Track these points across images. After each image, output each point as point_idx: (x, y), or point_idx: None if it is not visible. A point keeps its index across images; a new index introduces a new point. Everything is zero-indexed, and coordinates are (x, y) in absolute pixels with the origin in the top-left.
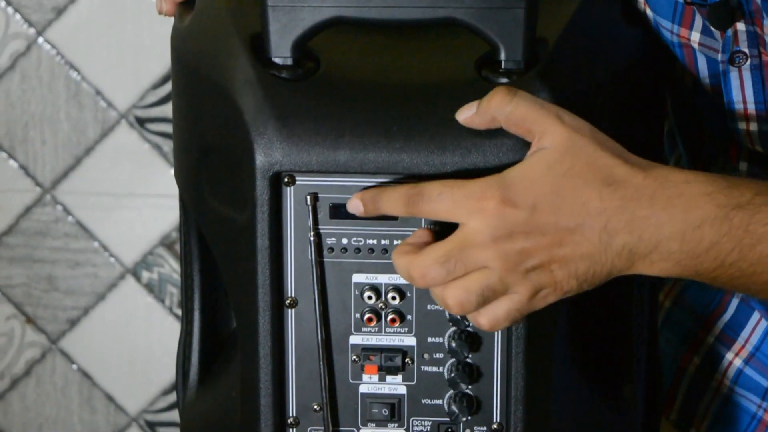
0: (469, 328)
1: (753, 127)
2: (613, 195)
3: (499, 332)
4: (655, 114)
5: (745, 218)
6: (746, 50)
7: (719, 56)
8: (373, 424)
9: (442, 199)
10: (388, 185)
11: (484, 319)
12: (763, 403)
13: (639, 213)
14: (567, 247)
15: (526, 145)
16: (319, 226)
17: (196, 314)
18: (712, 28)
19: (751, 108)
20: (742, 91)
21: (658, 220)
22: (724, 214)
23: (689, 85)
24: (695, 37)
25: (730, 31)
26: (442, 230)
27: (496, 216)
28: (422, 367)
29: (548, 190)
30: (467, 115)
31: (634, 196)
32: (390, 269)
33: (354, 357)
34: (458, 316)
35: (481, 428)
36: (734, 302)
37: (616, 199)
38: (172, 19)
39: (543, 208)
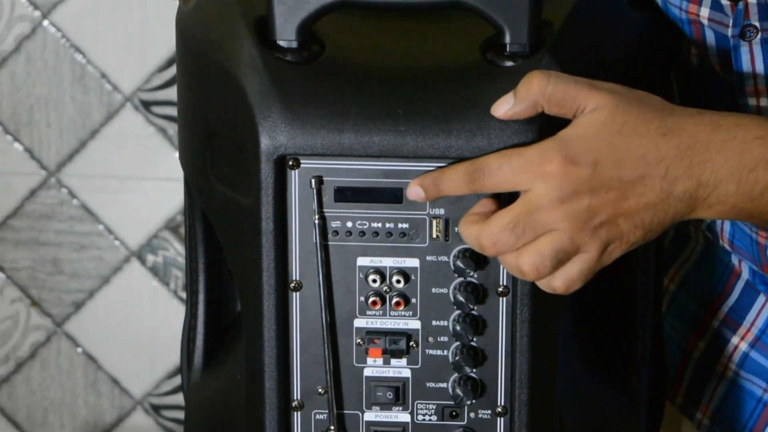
0: (473, 312)
1: (764, 102)
2: (669, 143)
3: (503, 316)
4: (661, 95)
5: None
6: (757, 24)
7: (729, 31)
8: (378, 408)
9: (503, 171)
10: (447, 167)
11: (559, 281)
12: None
13: (696, 158)
14: (631, 199)
15: (531, 126)
16: (324, 209)
17: (201, 297)
18: (722, 3)
19: (762, 83)
20: (752, 66)
21: (715, 163)
22: None
23: (697, 66)
24: (704, 12)
25: (741, 4)
26: (506, 198)
27: (560, 177)
28: (427, 351)
29: (606, 146)
30: (506, 108)
31: (689, 142)
32: (394, 252)
33: (358, 340)
34: (462, 299)
35: (486, 411)
36: (739, 285)
37: (672, 147)
38: (177, 2)
39: (604, 164)
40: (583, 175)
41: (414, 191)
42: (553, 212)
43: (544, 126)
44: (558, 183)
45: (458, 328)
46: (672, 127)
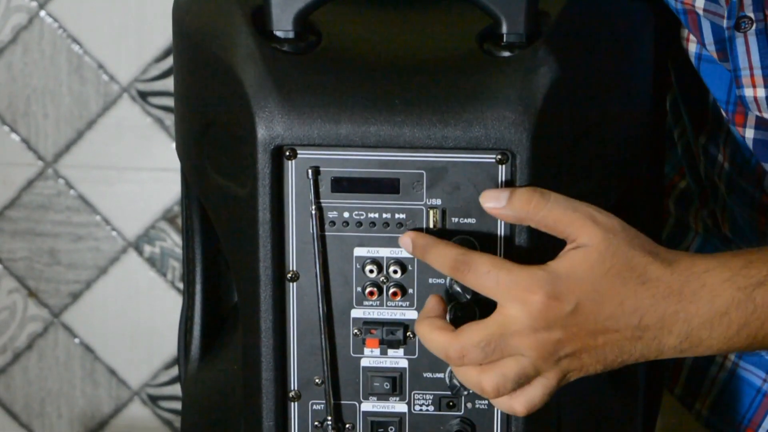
0: (470, 302)
1: (760, 93)
2: (646, 293)
3: None
4: (658, 85)
5: (767, 294)
6: (752, 15)
7: (725, 22)
8: (375, 398)
9: (488, 278)
10: (443, 242)
11: (520, 405)
12: None
13: (669, 309)
14: (599, 339)
15: (531, 123)
16: (321, 200)
17: (198, 288)
18: None
19: (758, 73)
20: (748, 57)
21: (687, 314)
22: (747, 296)
23: (693, 54)
24: (700, 3)
25: None
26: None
27: (540, 309)
28: None
29: (591, 289)
30: (494, 206)
31: (665, 293)
32: (391, 243)
33: (355, 331)
34: (459, 289)
35: (483, 402)
36: None
37: (649, 297)
38: None
39: (584, 306)
40: (562, 313)
41: (404, 241)
42: (524, 339)
43: (539, 125)
44: (536, 314)
45: (458, 317)
46: (651, 276)
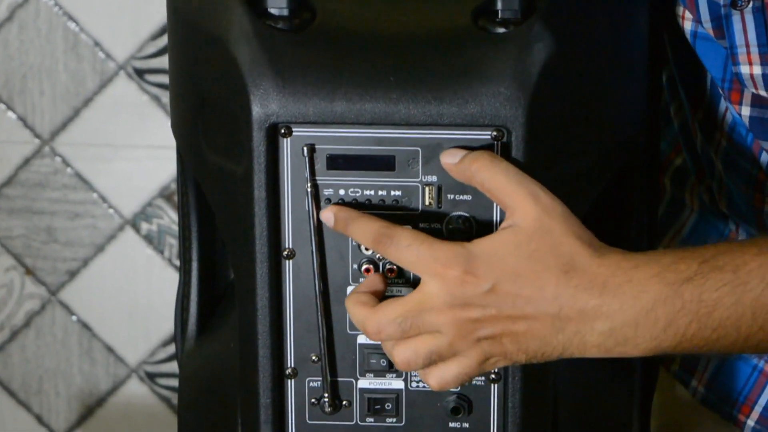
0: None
1: (756, 70)
2: (569, 283)
3: None
4: (654, 61)
5: (695, 290)
6: None
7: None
8: (372, 375)
9: (408, 251)
10: (365, 215)
11: (432, 379)
12: (764, 354)
13: (591, 302)
14: (520, 326)
15: (526, 100)
16: (316, 177)
17: (195, 265)
18: None
19: (754, 51)
20: (744, 34)
21: (609, 308)
22: (674, 291)
23: (689, 32)
24: None
25: None
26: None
27: (455, 285)
28: None
29: (511, 270)
30: (448, 161)
31: (587, 285)
32: (387, 219)
33: None
34: None
35: (480, 378)
36: None
37: (570, 287)
38: None
39: (502, 287)
40: (478, 291)
41: (326, 215)
42: (440, 315)
43: (535, 102)
44: (451, 289)
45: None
46: (576, 266)
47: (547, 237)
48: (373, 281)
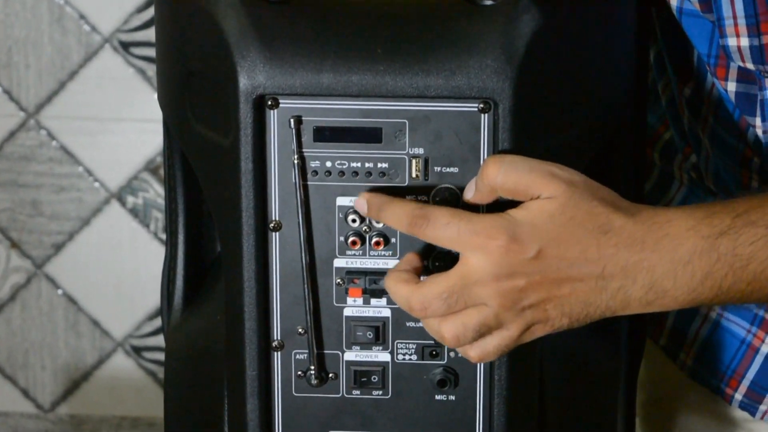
0: (453, 251)
1: (744, 42)
2: (609, 242)
3: None
4: (642, 37)
5: (730, 243)
6: None
7: None
8: (358, 347)
9: (448, 229)
10: (398, 199)
11: (474, 352)
12: (752, 328)
13: (632, 258)
14: (564, 289)
15: (513, 72)
16: (303, 149)
17: (181, 238)
18: None
19: (742, 22)
20: (732, 6)
21: (650, 262)
22: (710, 245)
23: (675, 8)
24: None
25: None
26: (430, 252)
27: (500, 255)
28: None
29: (552, 236)
30: (470, 195)
31: (627, 242)
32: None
33: (338, 280)
34: None
35: None
36: None
37: (611, 246)
38: None
39: (546, 253)
40: (524, 258)
41: (359, 203)
42: (487, 288)
43: (522, 74)
44: (498, 260)
45: (437, 267)
46: (614, 226)
47: (581, 203)
48: (411, 259)
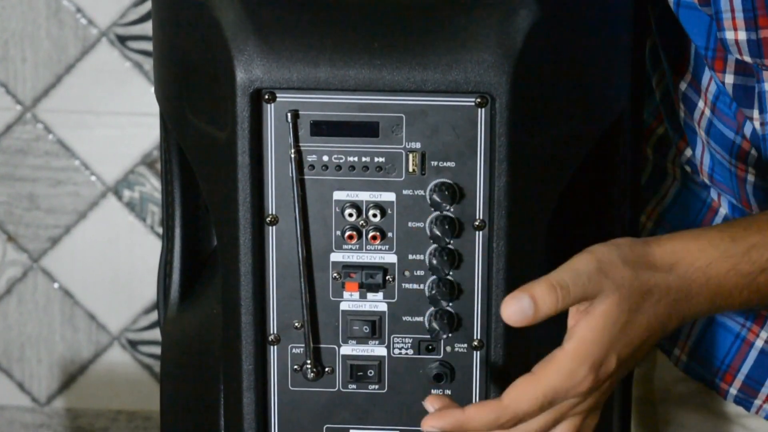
0: (450, 246)
1: (741, 35)
2: (662, 309)
3: (479, 250)
4: (638, 30)
5: None
6: None
7: None
8: (354, 342)
9: (537, 405)
10: (471, 407)
11: None
12: (746, 322)
13: (682, 308)
14: (637, 355)
15: (510, 66)
16: (300, 143)
17: (177, 232)
18: None
19: (740, 16)
20: (730, 0)
21: (695, 309)
22: (750, 281)
23: (672, 1)
24: None
25: None
26: None
27: (590, 386)
28: (403, 285)
29: (619, 335)
30: (522, 318)
31: (676, 298)
32: (370, 186)
33: (335, 274)
34: (438, 233)
35: (462, 345)
36: (717, 222)
37: (665, 309)
38: None
39: (623, 353)
40: (610, 371)
41: (430, 426)
42: (580, 406)
43: (519, 68)
44: (587, 391)
45: (434, 262)
46: (661, 290)
47: (632, 292)
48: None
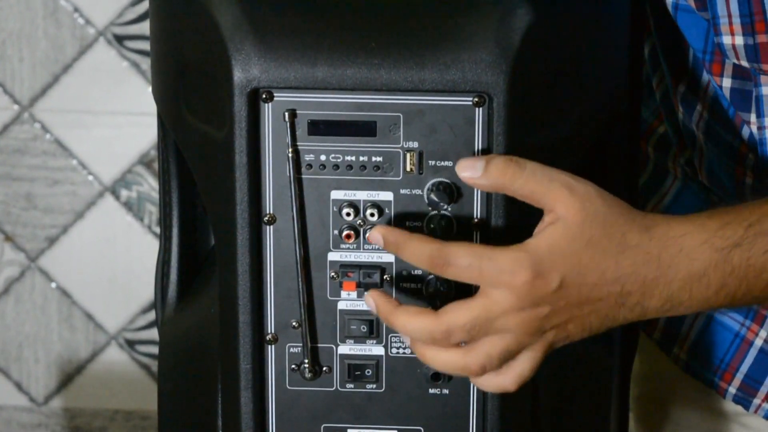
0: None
1: (738, 40)
2: (626, 261)
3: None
4: (637, 31)
5: (744, 254)
6: None
7: None
8: (352, 341)
9: (470, 270)
10: (416, 237)
11: (510, 381)
12: (746, 321)
13: (649, 275)
14: (585, 309)
15: (508, 66)
16: (298, 143)
17: (175, 231)
18: None
19: (737, 21)
20: (726, 5)
21: (666, 278)
22: (724, 257)
23: (670, 4)
24: None
25: None
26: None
27: (526, 290)
28: (401, 284)
29: (573, 261)
30: (470, 175)
31: (643, 260)
32: (368, 186)
33: (332, 274)
34: (436, 233)
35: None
36: None
37: (629, 265)
38: None
39: (568, 281)
40: (548, 290)
41: (375, 237)
42: (510, 318)
43: (516, 68)
44: (523, 295)
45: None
46: (630, 244)
47: (596, 222)
48: (382, 295)
